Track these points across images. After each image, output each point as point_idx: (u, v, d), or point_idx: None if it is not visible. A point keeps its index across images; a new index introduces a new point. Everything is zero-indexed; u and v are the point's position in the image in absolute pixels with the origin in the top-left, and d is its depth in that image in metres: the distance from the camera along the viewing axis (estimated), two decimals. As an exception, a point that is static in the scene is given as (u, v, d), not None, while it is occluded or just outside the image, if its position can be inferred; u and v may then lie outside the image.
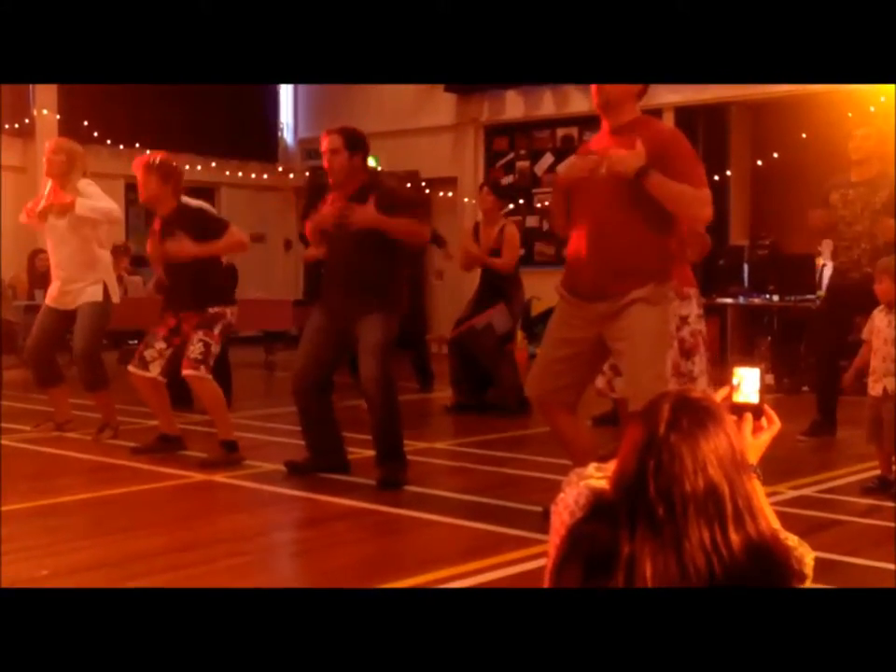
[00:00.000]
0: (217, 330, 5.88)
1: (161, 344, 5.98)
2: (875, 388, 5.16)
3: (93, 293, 6.57)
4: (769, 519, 1.72)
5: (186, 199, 6.20)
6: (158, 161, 6.00)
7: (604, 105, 4.30)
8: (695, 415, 1.66)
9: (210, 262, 6.00)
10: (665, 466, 1.62)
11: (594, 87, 4.30)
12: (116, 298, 6.73)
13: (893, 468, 5.20)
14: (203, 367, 5.82)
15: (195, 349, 5.81)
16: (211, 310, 5.91)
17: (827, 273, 8.79)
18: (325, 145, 5.36)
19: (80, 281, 6.56)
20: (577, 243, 4.41)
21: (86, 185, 6.56)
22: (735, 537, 1.61)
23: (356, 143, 5.36)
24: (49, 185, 6.60)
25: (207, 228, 5.98)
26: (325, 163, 5.40)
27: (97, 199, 6.50)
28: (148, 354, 6.00)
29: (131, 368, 6.09)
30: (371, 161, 13.65)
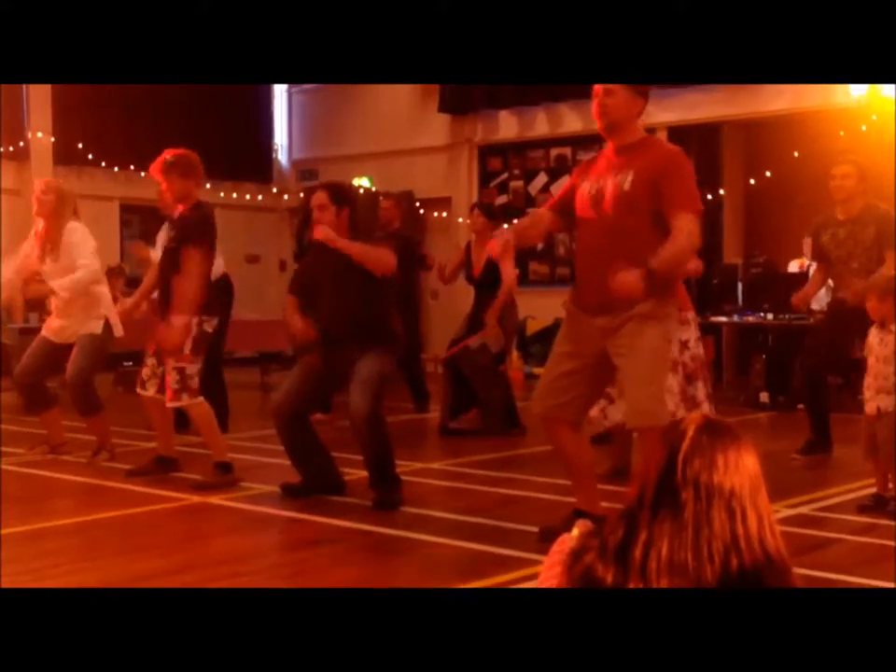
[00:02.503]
0: (187, 349, 5.77)
1: (152, 361, 5.97)
2: (869, 406, 5.17)
3: (94, 326, 6.57)
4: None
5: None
6: (172, 157, 5.92)
7: (608, 128, 4.35)
8: (727, 430, 1.72)
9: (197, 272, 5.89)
10: (697, 456, 1.68)
11: (595, 111, 4.33)
12: (119, 332, 6.71)
13: (889, 485, 5.21)
14: (184, 395, 5.79)
15: (171, 379, 5.78)
16: (175, 324, 5.74)
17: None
18: (313, 201, 5.47)
19: (82, 318, 6.55)
20: (583, 259, 4.46)
21: (72, 231, 6.52)
22: (756, 542, 1.64)
23: (342, 198, 5.44)
24: (39, 224, 6.60)
25: (194, 236, 5.83)
26: (313, 219, 5.46)
27: (80, 249, 6.47)
28: (144, 373, 6.01)
29: (138, 389, 6.11)
30: (365, 181, 13.77)
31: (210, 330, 5.95)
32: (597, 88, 4.32)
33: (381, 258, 5.34)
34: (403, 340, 5.60)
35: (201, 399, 5.87)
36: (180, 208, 5.99)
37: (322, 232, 5.36)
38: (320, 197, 5.42)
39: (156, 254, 6.81)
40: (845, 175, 6.49)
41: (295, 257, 9.03)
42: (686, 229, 4.17)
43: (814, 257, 6.81)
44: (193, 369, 5.82)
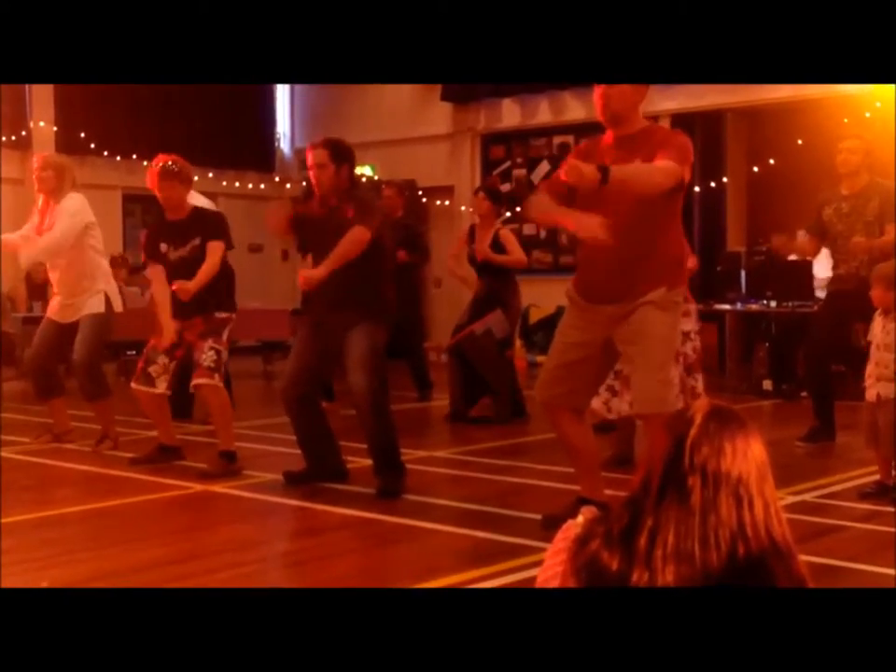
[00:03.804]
0: (224, 337, 5.90)
1: (163, 359, 5.93)
2: (869, 394, 5.18)
3: (95, 304, 6.55)
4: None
5: (197, 196, 6.21)
6: (173, 166, 5.89)
7: (611, 119, 4.32)
8: (735, 417, 1.72)
9: (221, 268, 5.97)
10: (704, 443, 1.67)
11: (597, 102, 4.31)
12: (118, 307, 6.71)
13: (893, 472, 5.21)
14: (217, 375, 5.81)
15: (208, 357, 5.77)
16: (218, 315, 5.89)
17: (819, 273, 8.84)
18: (311, 159, 5.39)
19: (81, 294, 6.55)
20: (590, 248, 4.43)
21: (67, 199, 6.50)
22: (762, 530, 1.64)
23: (342, 155, 5.39)
24: (40, 200, 6.60)
25: (218, 232, 5.95)
26: (312, 177, 5.43)
27: (61, 219, 6.43)
28: (153, 370, 5.93)
29: (134, 385, 6.04)
30: (368, 170, 13.76)
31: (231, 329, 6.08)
32: None
33: (352, 244, 5.25)
34: (394, 310, 5.57)
35: (223, 385, 5.91)
36: (181, 213, 5.97)
37: (303, 282, 5.34)
38: (320, 155, 5.34)
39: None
40: (851, 150, 6.51)
41: (298, 248, 9.02)
42: (664, 165, 4.07)
43: (811, 230, 6.79)
44: (226, 355, 5.91)
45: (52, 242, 6.45)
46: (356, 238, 5.26)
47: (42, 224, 6.56)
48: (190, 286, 5.76)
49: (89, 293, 6.55)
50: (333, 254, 5.26)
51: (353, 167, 5.49)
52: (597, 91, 4.31)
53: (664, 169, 4.07)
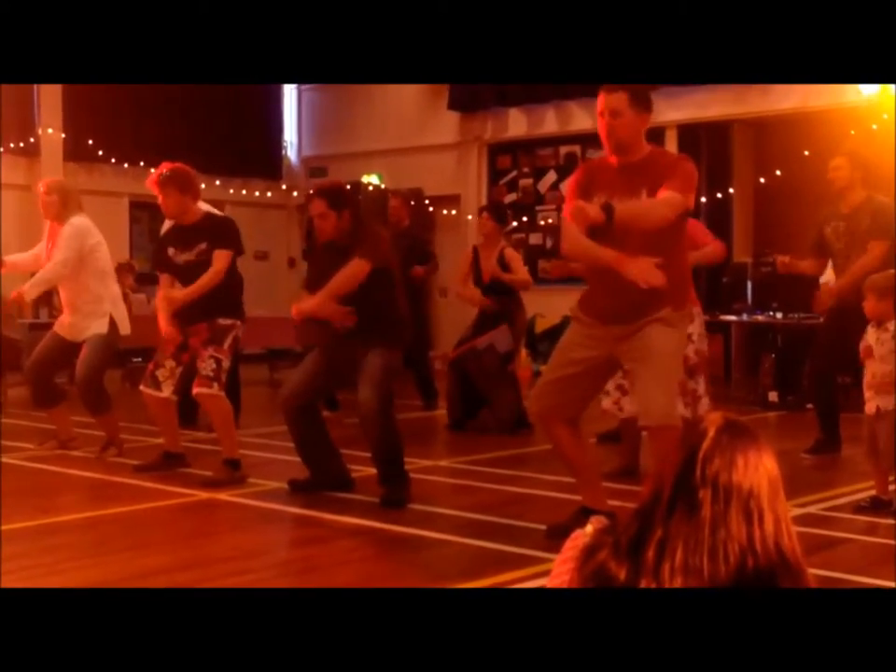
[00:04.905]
0: (226, 345, 5.88)
1: (171, 363, 5.95)
2: (869, 406, 5.13)
3: (100, 326, 6.56)
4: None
5: (205, 206, 6.24)
6: (167, 173, 5.92)
7: (616, 148, 4.31)
8: (748, 431, 1.71)
9: (227, 274, 5.98)
10: (717, 456, 1.65)
11: (602, 132, 4.29)
12: (125, 329, 6.70)
13: (890, 487, 5.17)
14: (215, 384, 5.82)
15: (207, 366, 5.79)
16: (221, 322, 5.89)
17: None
18: (311, 209, 5.41)
19: (87, 315, 6.56)
20: (597, 271, 4.43)
21: (68, 226, 6.50)
22: (772, 544, 1.63)
23: (340, 202, 5.39)
24: (47, 226, 6.65)
25: (226, 239, 5.97)
26: (315, 227, 5.45)
27: (61, 244, 6.44)
28: (160, 373, 5.96)
29: (143, 388, 6.06)
30: (375, 179, 13.77)
31: (240, 336, 6.09)
32: (602, 107, 4.27)
33: (348, 277, 5.28)
34: (410, 331, 5.58)
35: (223, 394, 5.90)
36: (190, 219, 6.00)
37: (295, 311, 5.41)
38: (318, 206, 5.37)
39: None
40: (836, 168, 6.55)
41: (304, 254, 9.05)
42: (668, 197, 4.07)
43: (813, 249, 6.78)
44: (227, 363, 5.90)
45: (51, 272, 6.53)
46: (353, 271, 5.29)
47: (50, 248, 6.58)
48: (179, 295, 5.81)
49: (94, 316, 6.56)
50: (328, 285, 5.28)
51: (354, 208, 5.50)
52: (601, 121, 4.29)
53: (668, 202, 4.10)
